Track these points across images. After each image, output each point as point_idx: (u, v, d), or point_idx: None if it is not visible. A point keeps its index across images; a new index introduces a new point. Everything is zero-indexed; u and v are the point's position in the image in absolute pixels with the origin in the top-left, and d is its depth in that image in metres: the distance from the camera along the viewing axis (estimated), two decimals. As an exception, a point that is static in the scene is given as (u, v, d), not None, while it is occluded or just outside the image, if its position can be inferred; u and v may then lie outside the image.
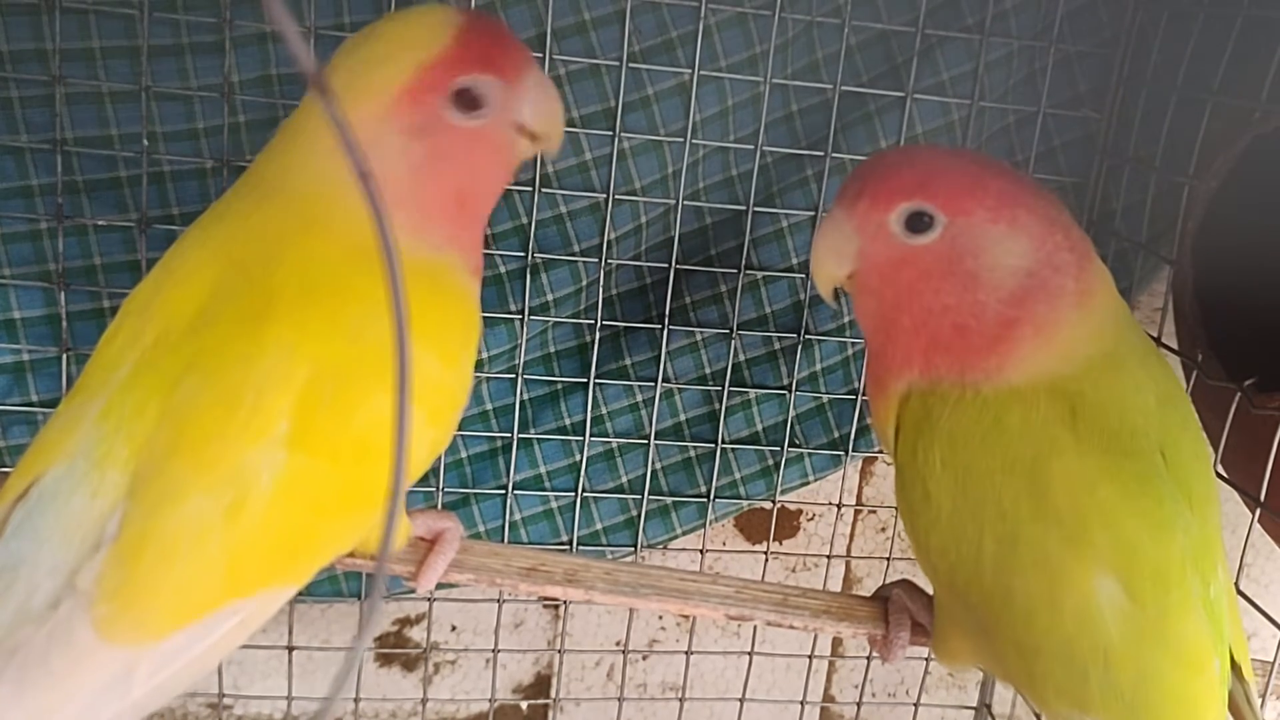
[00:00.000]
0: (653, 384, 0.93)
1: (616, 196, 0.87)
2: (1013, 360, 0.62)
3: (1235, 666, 0.62)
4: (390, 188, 0.58)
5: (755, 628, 1.04)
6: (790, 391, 0.95)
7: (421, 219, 0.59)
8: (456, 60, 0.58)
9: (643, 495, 0.95)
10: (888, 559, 1.06)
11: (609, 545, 0.96)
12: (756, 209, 0.91)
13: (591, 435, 0.94)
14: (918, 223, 0.62)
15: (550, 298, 0.89)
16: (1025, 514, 0.60)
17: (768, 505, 0.99)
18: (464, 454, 0.93)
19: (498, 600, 0.98)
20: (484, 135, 0.60)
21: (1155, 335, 0.85)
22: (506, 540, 0.94)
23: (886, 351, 0.66)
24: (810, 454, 0.97)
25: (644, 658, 1.10)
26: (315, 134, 0.59)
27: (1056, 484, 0.60)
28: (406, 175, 0.59)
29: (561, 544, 0.95)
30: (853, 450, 0.97)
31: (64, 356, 0.84)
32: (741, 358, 0.96)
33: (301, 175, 0.59)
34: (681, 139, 0.87)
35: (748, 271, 0.92)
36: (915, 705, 1.09)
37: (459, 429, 0.89)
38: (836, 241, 0.64)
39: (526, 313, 0.89)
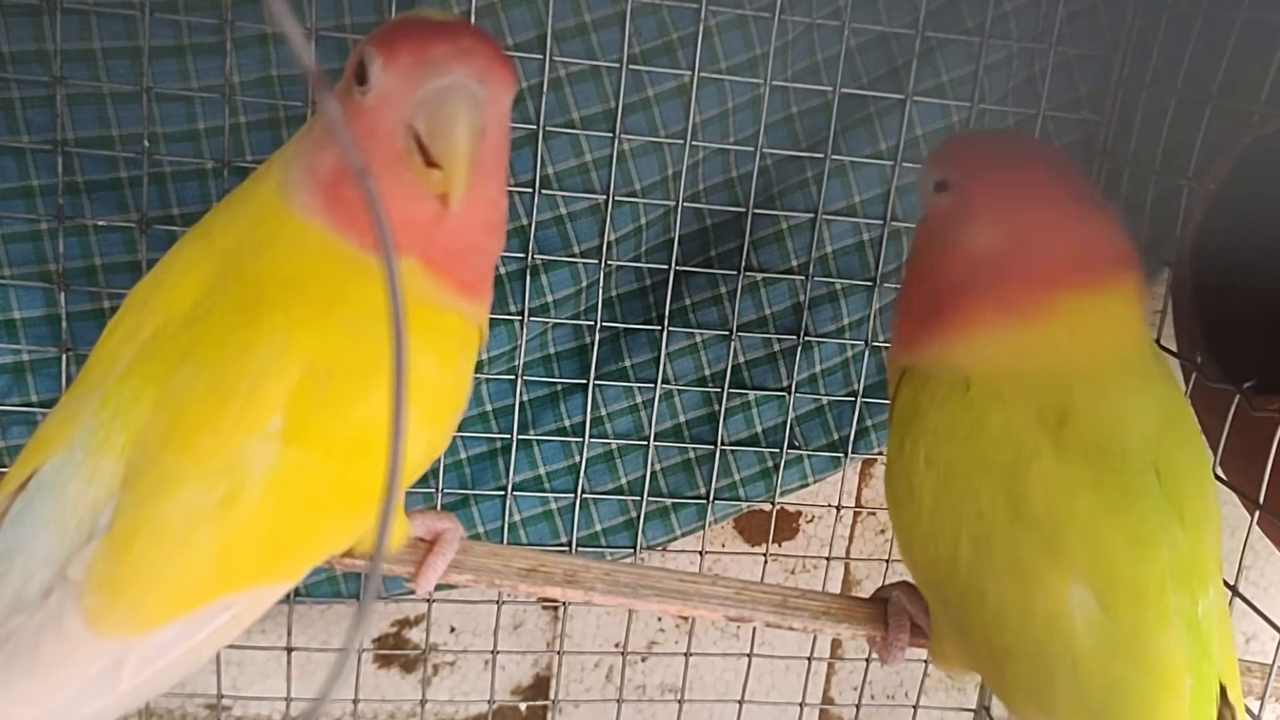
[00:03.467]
0: (652, 385, 0.93)
1: (616, 198, 0.87)
2: (935, 349, 0.65)
3: (1223, 688, 0.62)
4: (306, 143, 0.59)
5: (754, 629, 1.04)
6: (790, 393, 0.95)
7: (313, 184, 0.58)
8: (372, 37, 0.57)
9: (642, 496, 0.95)
10: (887, 561, 1.06)
11: (608, 546, 0.96)
12: (756, 210, 0.91)
13: (591, 436, 0.94)
14: (940, 188, 0.66)
15: (550, 299, 0.89)
16: (1002, 517, 0.60)
17: (767, 507, 0.99)
18: (463, 455, 0.93)
19: (497, 601, 0.98)
20: (362, 111, 0.56)
21: (1154, 337, 0.85)
22: (506, 541, 0.94)
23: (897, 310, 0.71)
24: (810, 456, 0.97)
25: (643, 659, 1.10)
26: (312, 131, 0.60)
27: (1034, 490, 0.60)
28: (319, 136, 0.59)
29: (561, 545, 0.95)
30: (852, 452, 0.97)
31: (64, 357, 0.84)
32: (741, 359, 0.96)
33: (285, 161, 0.59)
34: (681, 140, 0.87)
35: (748, 273, 0.92)
36: (914, 707, 1.09)
37: (458, 430, 0.89)
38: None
39: (526, 314, 0.89)
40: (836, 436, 0.98)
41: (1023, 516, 0.60)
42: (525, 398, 0.93)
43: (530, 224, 0.87)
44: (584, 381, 0.93)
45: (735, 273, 0.92)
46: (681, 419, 0.96)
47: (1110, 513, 0.59)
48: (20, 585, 0.53)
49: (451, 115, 0.55)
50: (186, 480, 0.53)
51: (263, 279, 0.57)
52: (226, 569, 0.55)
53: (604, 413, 0.95)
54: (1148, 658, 0.58)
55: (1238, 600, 0.74)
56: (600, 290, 0.91)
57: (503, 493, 0.93)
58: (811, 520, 1.08)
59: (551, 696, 1.07)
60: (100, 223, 0.83)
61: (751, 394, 0.96)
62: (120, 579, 0.53)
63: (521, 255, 0.87)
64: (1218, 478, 0.77)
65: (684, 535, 0.97)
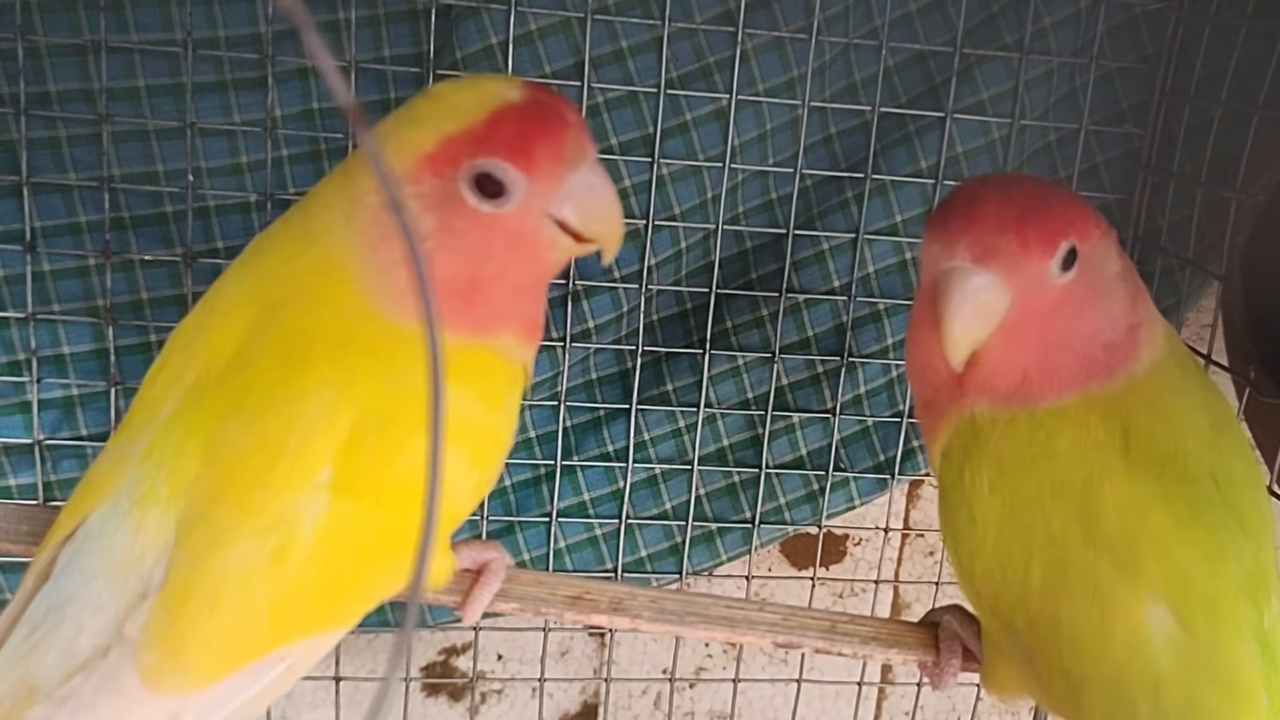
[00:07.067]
0: (695, 409, 0.93)
1: (656, 222, 0.87)
2: (1142, 361, 0.62)
3: None
4: (395, 250, 0.56)
5: (803, 654, 1.03)
6: (834, 415, 0.95)
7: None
8: (482, 140, 0.54)
9: (687, 521, 0.95)
10: (936, 583, 1.05)
11: (654, 572, 0.96)
12: (797, 232, 0.91)
13: (634, 461, 0.94)
14: (1066, 260, 0.59)
15: (591, 324, 0.89)
16: (1075, 540, 0.59)
17: (813, 530, 0.99)
18: (508, 482, 0.93)
19: (543, 629, 0.98)
20: (502, 223, 0.55)
21: (1205, 352, 0.83)
22: (551, 568, 0.94)
23: (1033, 386, 0.62)
24: (856, 478, 0.97)
25: (691, 686, 1.09)
26: (354, 176, 0.58)
27: (1108, 510, 0.59)
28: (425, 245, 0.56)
29: (606, 571, 0.95)
30: (899, 473, 0.96)
31: (112, 390, 0.85)
32: (784, 381, 0.95)
33: (336, 217, 0.58)
34: (720, 164, 0.87)
35: (789, 294, 0.92)
36: (967, 731, 1.08)
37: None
38: (992, 304, 0.59)
39: (568, 340, 0.89)
40: (883, 458, 0.97)
41: (1097, 538, 0.59)
42: (568, 424, 0.93)
43: (570, 250, 0.87)
44: (626, 406, 0.93)
45: (776, 294, 0.91)
46: (725, 442, 0.96)
47: (1182, 527, 0.58)
48: (71, 637, 0.53)
49: (606, 199, 0.58)
50: (238, 535, 0.53)
51: (308, 334, 0.56)
52: (280, 622, 0.55)
53: (647, 437, 0.95)
54: (1225, 674, 0.57)
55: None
56: (641, 315, 0.91)
57: (547, 519, 0.93)
58: (859, 543, 1.07)
59: (599, 724, 1.07)
60: (146, 257, 0.84)
61: (795, 416, 0.95)
62: (176, 636, 0.53)
63: (563, 282, 0.88)
64: (1273, 493, 0.75)
65: (730, 560, 0.97)
